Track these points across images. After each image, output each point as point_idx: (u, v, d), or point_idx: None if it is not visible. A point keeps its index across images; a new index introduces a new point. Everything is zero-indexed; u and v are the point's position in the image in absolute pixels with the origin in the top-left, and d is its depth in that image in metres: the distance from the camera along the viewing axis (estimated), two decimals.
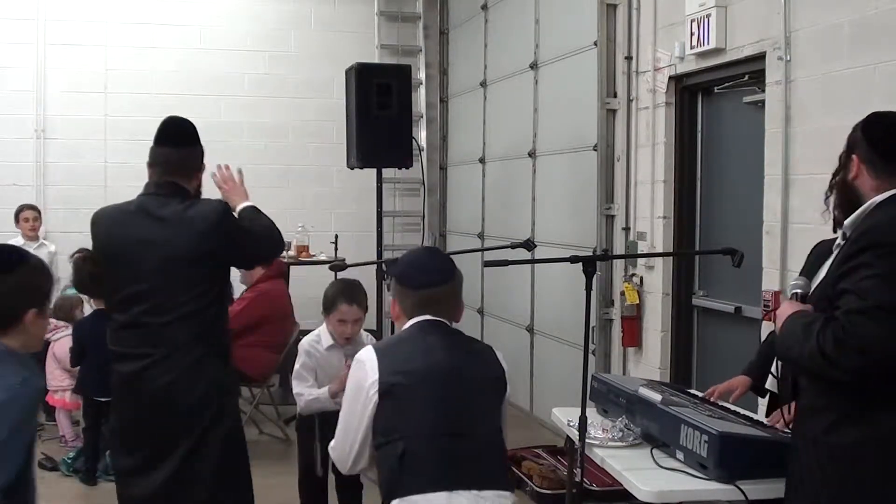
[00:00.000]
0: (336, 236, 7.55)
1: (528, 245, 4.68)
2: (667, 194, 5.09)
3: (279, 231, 3.58)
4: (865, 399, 2.22)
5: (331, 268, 5.06)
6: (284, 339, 6.10)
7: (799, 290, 2.49)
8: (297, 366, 4.05)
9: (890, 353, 2.15)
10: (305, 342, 4.09)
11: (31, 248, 7.14)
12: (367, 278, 4.80)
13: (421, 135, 8.54)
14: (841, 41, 3.76)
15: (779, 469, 2.52)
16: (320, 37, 8.55)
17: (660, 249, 5.11)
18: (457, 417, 2.67)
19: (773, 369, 2.84)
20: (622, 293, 5.35)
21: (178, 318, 3.29)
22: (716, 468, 2.68)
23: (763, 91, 4.32)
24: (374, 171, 6.83)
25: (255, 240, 3.50)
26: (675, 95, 5.05)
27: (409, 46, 8.73)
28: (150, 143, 3.49)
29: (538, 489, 4.84)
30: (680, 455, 2.85)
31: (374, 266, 5.30)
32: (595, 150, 5.64)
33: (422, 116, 8.63)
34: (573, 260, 3.10)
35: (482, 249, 6.51)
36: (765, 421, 3.09)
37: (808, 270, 2.74)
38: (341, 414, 2.81)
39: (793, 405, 2.56)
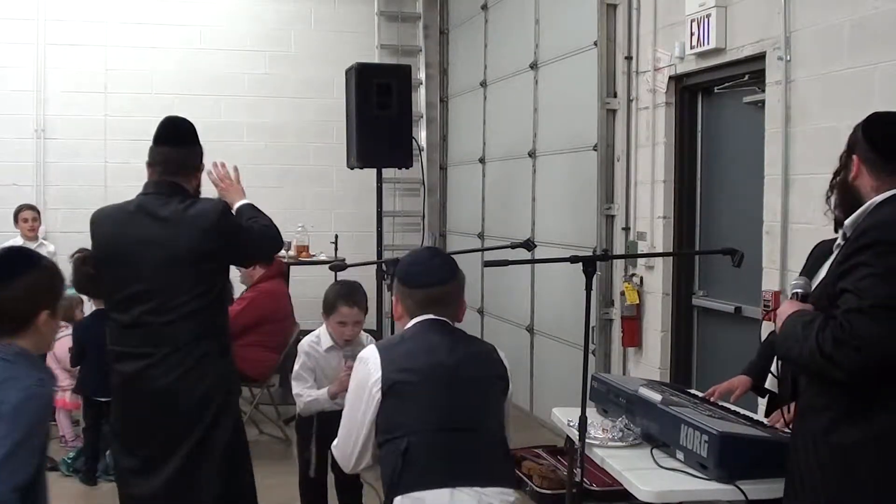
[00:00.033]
0: (336, 236, 7.55)
1: (528, 245, 4.68)
2: (667, 194, 5.09)
3: (277, 228, 3.58)
4: (865, 398, 2.22)
5: (331, 268, 5.06)
6: (284, 339, 6.10)
7: (800, 290, 2.49)
8: (296, 366, 4.05)
9: (889, 353, 2.15)
10: (305, 343, 4.09)
11: (31, 248, 7.16)
12: (366, 278, 4.80)
13: (421, 135, 8.54)
14: (841, 41, 3.76)
15: (779, 469, 2.52)
16: (320, 37, 8.55)
17: (660, 249, 5.11)
18: (460, 415, 2.68)
19: (772, 369, 2.84)
20: (622, 293, 5.35)
21: (179, 318, 3.29)
22: (716, 468, 2.68)
23: (763, 91, 4.32)
24: (374, 171, 6.83)
25: (255, 238, 3.50)
26: (675, 95, 5.05)
27: (409, 46, 8.73)
28: (150, 143, 3.49)
29: (538, 489, 4.84)
30: (680, 455, 2.85)
31: (374, 266, 5.30)
32: (595, 150, 5.64)
33: (422, 116, 8.63)
34: (573, 260, 3.10)
35: (482, 249, 6.51)
36: (765, 421, 3.09)
37: (809, 270, 2.74)
38: (344, 412, 2.83)
39: (792, 405, 2.56)
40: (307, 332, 4.25)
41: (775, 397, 3.04)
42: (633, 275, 5.35)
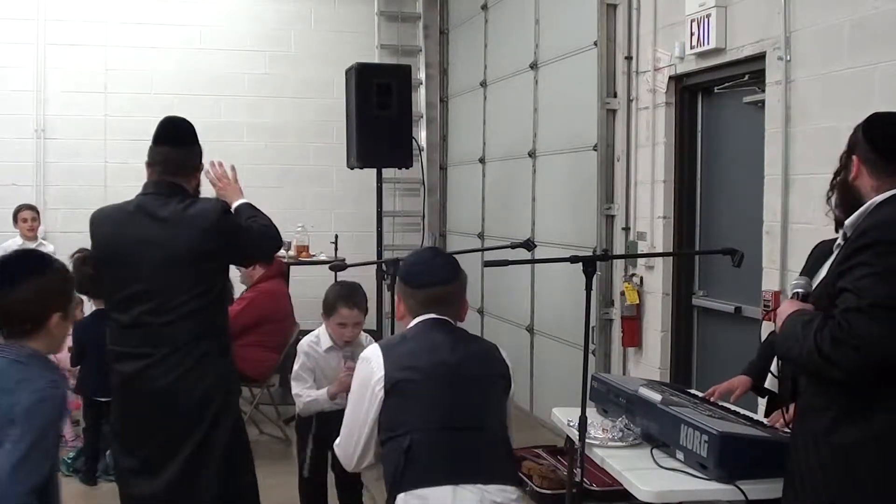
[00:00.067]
0: (336, 236, 7.55)
1: (528, 245, 4.68)
2: (667, 194, 5.09)
3: (276, 228, 3.58)
4: (865, 398, 2.22)
5: (331, 268, 5.07)
6: (284, 339, 6.10)
7: (800, 290, 2.49)
8: (295, 367, 4.05)
9: (888, 352, 2.15)
10: (304, 343, 4.09)
11: (31, 248, 7.16)
12: (366, 278, 4.80)
13: (421, 135, 8.54)
14: (841, 41, 3.76)
15: (779, 469, 2.52)
16: (320, 37, 8.55)
17: (660, 249, 5.11)
18: (462, 413, 2.70)
19: (772, 369, 2.84)
20: (622, 293, 5.35)
21: (179, 318, 3.29)
22: (716, 468, 2.68)
23: (763, 91, 4.32)
24: (374, 171, 6.83)
25: (254, 237, 3.50)
26: (675, 95, 5.04)
27: (409, 46, 8.73)
28: (150, 143, 3.49)
29: (538, 489, 4.84)
30: (680, 455, 2.85)
31: (374, 266, 5.30)
32: (595, 150, 5.64)
33: (422, 116, 8.63)
34: (573, 260, 3.11)
35: (482, 249, 6.51)
36: (765, 421, 3.09)
37: (809, 270, 2.74)
38: (346, 411, 2.84)
39: (792, 405, 2.56)
40: (307, 332, 4.25)
41: (775, 397, 3.04)
42: (633, 275, 5.35)
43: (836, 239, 2.45)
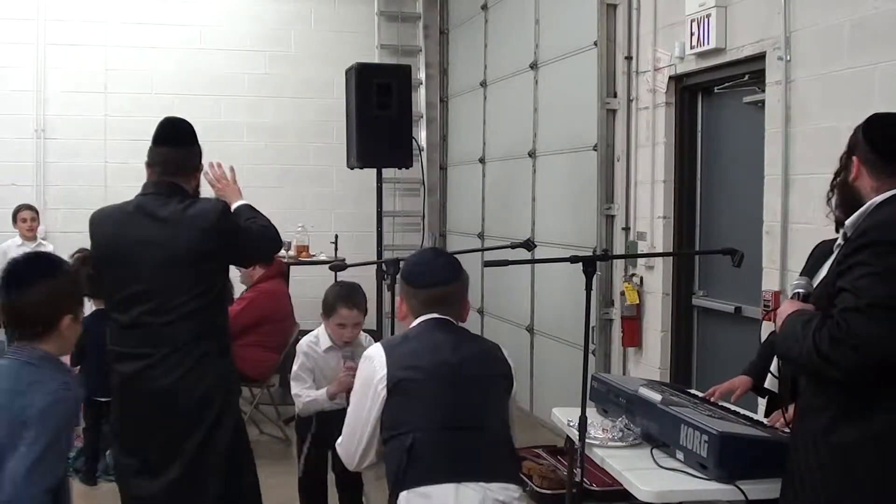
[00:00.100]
0: (336, 236, 7.55)
1: (528, 245, 4.68)
2: (667, 194, 5.09)
3: (276, 229, 3.58)
4: (864, 398, 2.22)
5: (331, 268, 5.06)
6: (284, 338, 6.10)
7: (801, 290, 2.49)
8: (294, 367, 4.05)
9: (887, 352, 2.15)
10: (303, 343, 4.09)
11: (30, 248, 7.15)
12: (366, 278, 4.80)
13: (421, 135, 8.54)
14: (841, 41, 3.76)
15: (778, 469, 2.52)
16: (320, 37, 8.55)
17: (660, 249, 5.11)
18: (465, 411, 2.71)
19: (772, 369, 2.84)
20: (622, 293, 5.35)
21: (178, 318, 3.29)
22: (716, 468, 2.68)
23: (763, 91, 4.32)
24: (374, 171, 6.83)
25: (254, 238, 3.50)
26: (675, 95, 5.04)
27: (409, 46, 8.73)
28: (149, 144, 3.49)
29: (538, 489, 4.84)
30: (680, 455, 2.85)
31: (374, 266, 5.29)
32: (595, 150, 5.64)
33: (422, 116, 8.63)
34: (573, 260, 3.11)
35: (482, 249, 6.51)
36: (765, 421, 3.09)
37: (809, 270, 2.74)
38: (349, 410, 2.85)
39: (792, 405, 2.56)
40: (307, 332, 4.24)
41: (775, 397, 3.04)
42: (633, 275, 5.35)
43: (836, 239, 2.45)
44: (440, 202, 8.85)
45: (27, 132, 8.01)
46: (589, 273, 3.06)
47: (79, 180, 8.02)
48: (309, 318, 5.79)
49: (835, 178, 2.49)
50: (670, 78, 5.01)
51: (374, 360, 2.75)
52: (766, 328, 3.57)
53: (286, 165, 8.48)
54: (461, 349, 2.78)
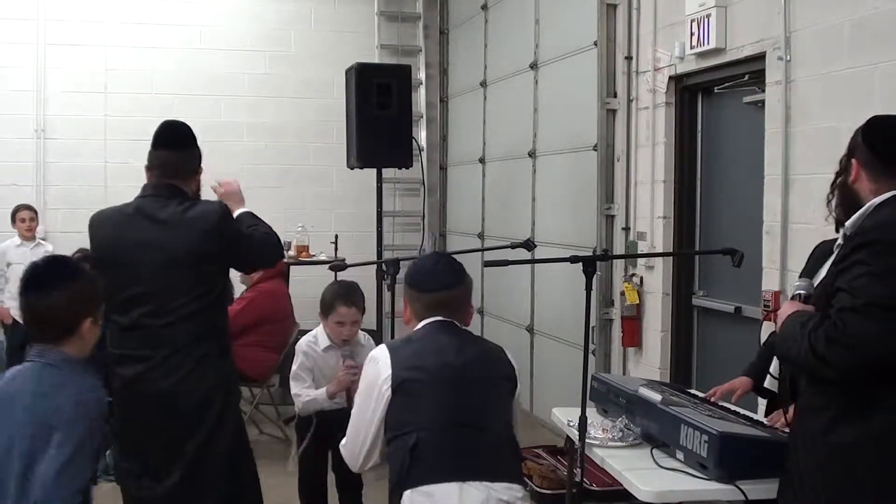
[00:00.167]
0: (336, 236, 7.55)
1: (528, 245, 4.68)
2: (667, 194, 5.09)
3: (278, 237, 3.59)
4: (864, 398, 2.22)
5: (331, 268, 5.06)
6: (284, 338, 6.10)
7: (802, 292, 2.49)
8: (294, 367, 4.06)
9: (883, 352, 2.15)
10: (303, 343, 4.09)
11: (28, 248, 7.16)
12: (366, 278, 4.80)
13: (421, 135, 8.53)
14: (841, 41, 3.76)
15: (779, 469, 2.52)
16: (320, 37, 8.55)
17: (660, 249, 5.11)
18: (467, 412, 2.73)
19: (771, 369, 2.85)
20: (622, 293, 5.35)
21: (178, 320, 3.29)
22: (716, 468, 2.68)
23: (763, 91, 4.32)
24: (374, 171, 6.82)
25: (256, 245, 3.50)
26: (675, 95, 5.04)
27: (409, 46, 8.73)
28: (149, 146, 3.49)
29: (538, 489, 4.84)
30: (680, 455, 2.85)
31: (374, 266, 5.29)
32: (595, 150, 5.64)
33: (422, 116, 8.62)
34: (573, 260, 3.11)
35: (482, 249, 6.51)
36: (765, 421, 3.09)
37: (810, 270, 2.75)
38: (353, 412, 2.87)
39: (792, 405, 2.56)
40: (307, 332, 4.25)
41: (775, 397, 3.04)
42: (633, 275, 5.35)
43: (836, 239, 2.45)
44: (440, 202, 8.85)
45: (27, 132, 8.01)
46: (589, 273, 3.07)
47: (79, 180, 8.02)
48: (309, 318, 5.79)
49: (835, 180, 2.50)
50: (670, 78, 5.01)
51: (379, 362, 2.78)
52: (766, 328, 3.57)
53: (286, 165, 8.47)
54: (465, 351, 2.81)
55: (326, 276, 5.44)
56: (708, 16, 4.55)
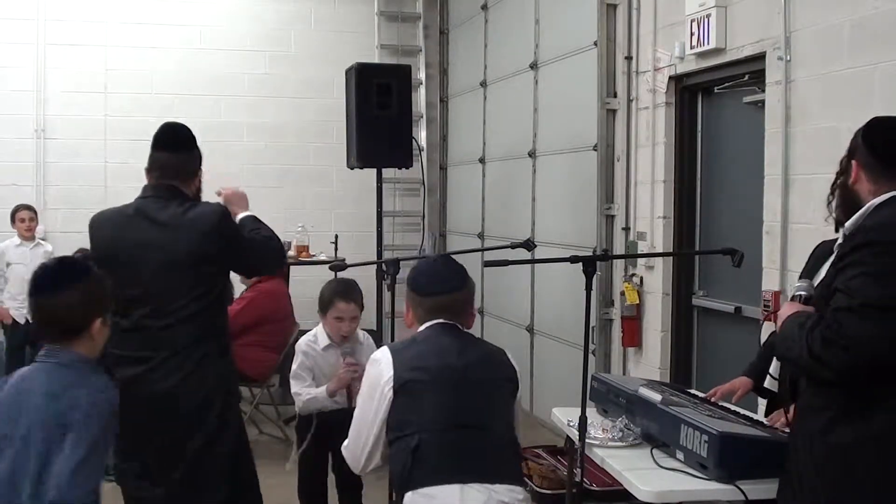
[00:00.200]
0: (336, 236, 7.55)
1: (528, 245, 4.68)
2: (667, 194, 5.09)
3: (280, 242, 3.60)
4: (863, 399, 2.22)
5: (331, 268, 5.06)
6: (284, 338, 6.10)
7: (802, 293, 2.49)
8: (294, 366, 4.06)
9: (880, 353, 2.15)
10: (303, 342, 4.09)
11: (28, 248, 7.16)
12: (366, 278, 4.80)
13: (421, 135, 8.53)
14: (841, 41, 3.76)
15: (779, 469, 2.52)
16: (320, 37, 8.55)
17: (660, 249, 5.11)
18: (470, 413, 2.74)
19: (771, 370, 2.85)
20: (622, 293, 5.35)
21: (178, 321, 3.28)
22: (716, 468, 2.68)
23: (763, 91, 4.32)
24: (374, 171, 6.82)
25: (257, 248, 3.49)
26: (675, 95, 5.04)
27: (409, 46, 8.73)
28: (149, 145, 3.49)
29: (538, 489, 4.84)
30: (680, 455, 2.85)
31: (374, 266, 5.29)
32: (595, 150, 5.64)
33: (422, 116, 8.62)
34: (573, 260, 3.11)
35: (482, 249, 6.51)
36: (765, 421, 3.09)
37: (810, 270, 2.75)
38: (355, 413, 2.89)
39: (793, 405, 2.56)
40: (307, 332, 4.25)
41: (776, 397, 3.04)
42: (633, 275, 5.35)
43: (836, 239, 2.46)
44: (440, 202, 8.85)
45: (27, 132, 8.01)
46: (589, 273, 3.07)
47: (79, 180, 8.02)
48: (309, 318, 5.78)
49: (835, 181, 2.50)
50: (670, 78, 5.01)
51: (381, 363, 2.79)
52: (766, 329, 3.57)
53: (286, 165, 8.47)
54: (466, 353, 2.82)
55: (326, 276, 5.43)
56: (708, 16, 4.55)
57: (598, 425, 3.18)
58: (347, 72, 6.78)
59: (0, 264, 7.13)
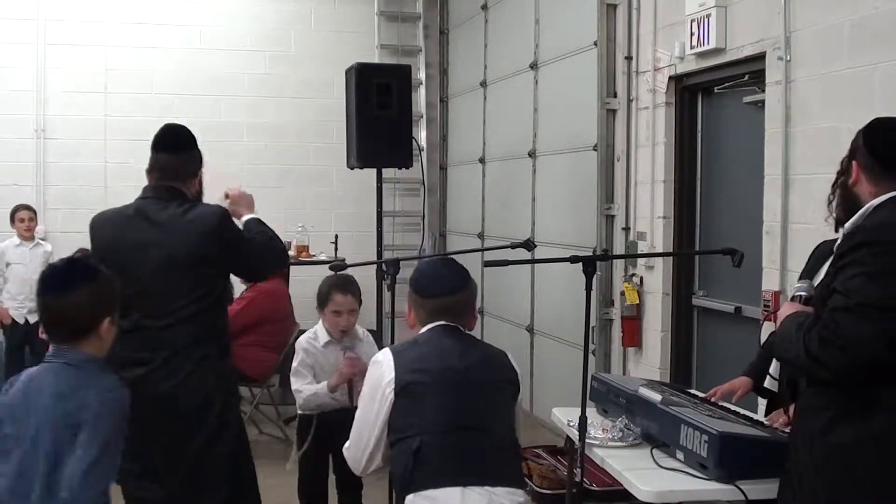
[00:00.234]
0: (336, 236, 7.55)
1: (528, 245, 4.67)
2: (667, 194, 5.09)
3: (283, 245, 3.59)
4: (863, 398, 2.22)
5: (331, 268, 5.04)
6: (284, 338, 6.10)
7: (803, 293, 2.49)
8: (294, 363, 4.06)
9: (878, 353, 2.15)
10: (303, 339, 4.10)
11: (28, 248, 7.16)
12: (366, 278, 4.80)
13: (421, 135, 8.53)
14: (841, 41, 3.76)
15: (779, 469, 2.52)
16: (320, 37, 8.55)
17: (660, 249, 5.11)
18: (471, 414, 2.75)
19: (770, 370, 2.85)
20: (622, 293, 5.35)
21: (178, 322, 3.28)
22: (716, 468, 2.68)
23: (763, 91, 4.32)
24: (374, 171, 6.82)
25: (258, 249, 3.49)
26: (675, 95, 5.04)
27: (409, 46, 8.73)
28: (150, 144, 3.49)
29: (538, 489, 4.84)
30: (680, 455, 2.85)
31: (374, 266, 5.30)
32: (595, 150, 5.64)
33: (422, 116, 8.62)
34: (573, 260, 3.11)
35: (482, 249, 6.51)
36: (765, 421, 3.09)
37: (810, 271, 2.75)
38: (357, 415, 2.89)
39: (793, 405, 2.57)
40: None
41: (776, 397, 3.04)
42: (633, 275, 5.35)
43: (836, 239, 2.46)
44: (440, 202, 8.84)
45: (27, 132, 8.01)
46: (589, 273, 3.07)
47: (79, 180, 8.02)
48: (308, 317, 5.77)
49: (836, 180, 2.50)
50: (670, 78, 5.01)
51: (383, 365, 2.79)
52: (766, 329, 3.57)
53: (286, 165, 8.47)
54: (468, 355, 2.83)
55: (326, 276, 5.44)
56: (708, 16, 4.55)
57: (598, 425, 3.18)
58: (347, 72, 6.77)
59: (0, 264, 7.13)
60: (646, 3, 5.24)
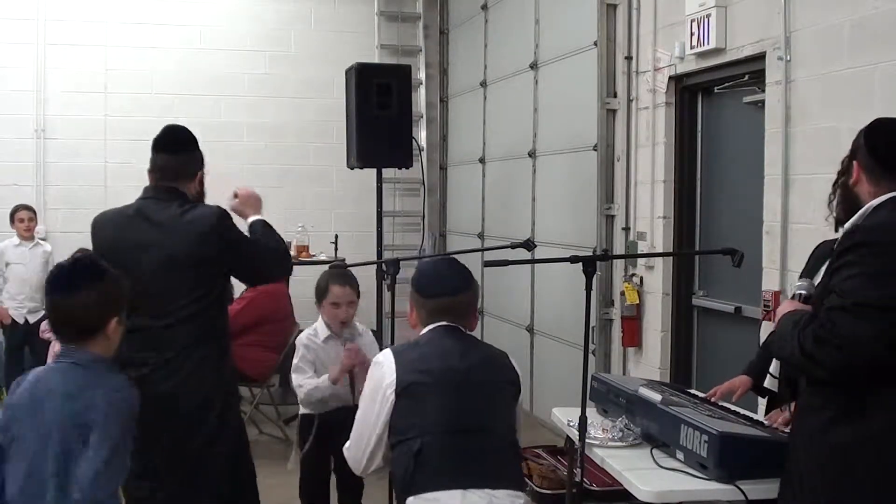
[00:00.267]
0: (336, 236, 7.56)
1: (528, 245, 4.67)
2: (667, 194, 5.09)
3: (287, 248, 3.59)
4: (862, 398, 2.22)
5: (331, 268, 5.06)
6: (284, 338, 6.10)
7: (802, 292, 2.50)
8: (295, 360, 4.06)
9: (876, 353, 2.15)
10: (303, 336, 4.10)
11: (27, 248, 7.16)
12: (366, 278, 4.80)
13: (421, 135, 8.53)
14: (841, 41, 3.76)
15: (779, 469, 2.52)
16: (320, 37, 8.55)
17: (660, 249, 5.11)
18: (472, 417, 2.74)
19: (770, 369, 2.85)
20: (622, 293, 5.35)
21: (178, 322, 3.28)
22: (716, 468, 2.68)
23: (763, 91, 4.32)
24: (374, 171, 6.82)
25: (260, 251, 3.48)
26: (675, 95, 5.05)
27: (409, 46, 8.73)
28: (150, 144, 3.49)
29: (538, 489, 4.84)
30: (680, 455, 2.85)
31: (374, 266, 5.29)
32: (595, 150, 5.64)
33: (422, 116, 8.62)
34: (573, 260, 3.11)
35: (482, 249, 6.51)
36: (765, 421, 3.09)
37: (810, 270, 2.75)
38: (357, 415, 2.89)
39: (793, 404, 2.57)
40: None
41: (775, 396, 3.04)
42: (633, 275, 5.35)
43: (836, 239, 2.46)
44: (440, 202, 8.85)
45: (27, 132, 8.01)
46: (589, 273, 3.07)
47: (79, 180, 8.02)
48: (309, 317, 5.75)
49: (837, 180, 2.50)
50: (670, 78, 5.01)
51: (384, 366, 2.79)
52: (766, 328, 3.57)
53: (286, 165, 8.47)
54: (469, 356, 2.82)
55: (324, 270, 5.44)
56: (708, 16, 4.55)
57: (598, 425, 3.18)
58: (347, 72, 6.77)
59: (0, 264, 7.13)
60: (646, 3, 5.25)
